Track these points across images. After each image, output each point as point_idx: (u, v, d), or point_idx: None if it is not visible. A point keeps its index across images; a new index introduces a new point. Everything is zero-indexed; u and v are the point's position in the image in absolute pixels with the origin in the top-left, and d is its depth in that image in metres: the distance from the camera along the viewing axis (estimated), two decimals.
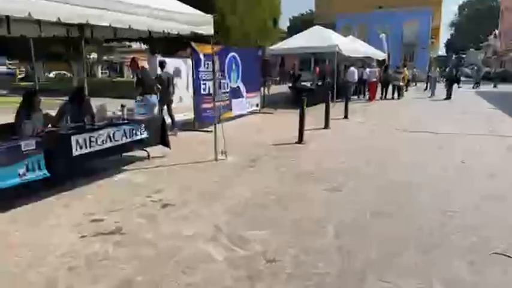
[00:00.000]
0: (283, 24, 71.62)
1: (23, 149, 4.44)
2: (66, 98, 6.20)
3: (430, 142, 8.23)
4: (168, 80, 8.92)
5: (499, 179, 5.61)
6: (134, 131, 6.10)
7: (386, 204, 4.57)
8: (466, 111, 13.63)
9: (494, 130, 9.69)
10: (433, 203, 4.62)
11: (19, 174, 4.40)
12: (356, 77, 16.90)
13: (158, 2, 5.03)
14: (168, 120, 8.35)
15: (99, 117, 5.98)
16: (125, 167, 6.13)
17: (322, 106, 10.12)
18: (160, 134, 6.66)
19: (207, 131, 8.71)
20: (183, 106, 11.42)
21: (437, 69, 23.13)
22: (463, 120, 11.39)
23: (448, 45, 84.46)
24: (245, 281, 2.95)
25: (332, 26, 29.70)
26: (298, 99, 8.67)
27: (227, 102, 10.56)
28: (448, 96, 17.72)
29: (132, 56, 11.68)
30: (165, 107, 9.04)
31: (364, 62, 18.57)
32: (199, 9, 6.07)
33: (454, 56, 69.37)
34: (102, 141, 5.56)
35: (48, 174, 4.66)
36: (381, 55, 20.82)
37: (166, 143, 6.72)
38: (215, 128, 6.54)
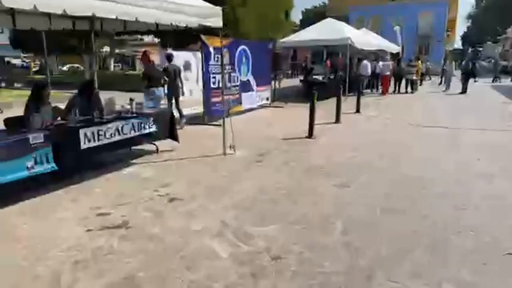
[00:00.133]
0: (296, 16, 70.96)
1: (31, 142, 4.45)
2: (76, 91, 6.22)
3: (443, 137, 8.04)
4: (175, 72, 8.87)
5: None
6: (143, 125, 6.08)
7: (398, 200, 4.47)
8: (481, 105, 13.30)
9: (511, 125, 9.42)
10: (446, 200, 4.50)
11: (27, 167, 4.42)
12: (369, 71, 16.63)
13: None
14: (176, 114, 8.32)
15: (107, 110, 5.98)
16: (134, 161, 6.13)
17: (334, 100, 9.97)
18: (169, 128, 6.63)
19: (217, 125, 8.66)
20: (193, 100, 11.40)
21: (453, 62, 22.61)
22: (478, 115, 11.11)
23: (464, 38, 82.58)
24: (249, 278, 2.90)
25: (345, 19, 29.26)
26: (309, 93, 8.55)
27: (237, 95, 10.49)
28: (464, 90, 17.32)
29: (143, 50, 11.71)
30: (173, 100, 9.02)
31: (377, 55, 18.25)
32: (208, 2, 6.00)
33: (470, 49, 67.80)
34: (111, 134, 5.55)
35: (56, 168, 4.67)
36: (394, 48, 20.45)
37: (174, 137, 6.69)
38: (223, 122, 6.49)
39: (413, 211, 4.17)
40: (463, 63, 19.33)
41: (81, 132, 5.13)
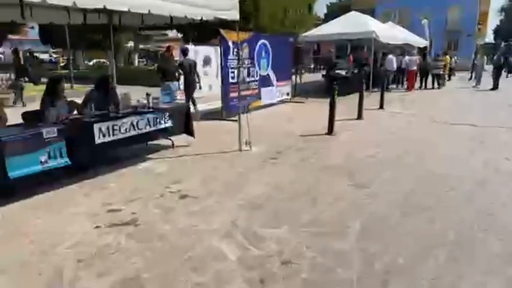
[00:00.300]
0: (320, 10, 69.86)
1: (44, 137, 4.44)
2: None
3: (471, 135, 7.62)
4: (190, 66, 8.83)
5: None
6: (158, 120, 6.02)
7: (420, 202, 4.21)
8: None
9: None
10: (471, 202, 4.20)
11: (41, 162, 4.42)
12: (395, 65, 16.10)
13: None
14: (192, 108, 8.30)
15: (123, 105, 5.94)
16: (149, 156, 6.08)
17: (357, 95, 9.65)
18: (185, 123, 6.56)
19: (235, 120, 8.50)
20: (212, 94, 11.34)
21: (484, 57, 21.61)
22: (509, 113, 10.53)
23: (497, 31, 79.04)
24: (257, 284, 2.75)
25: (371, 12, 28.53)
26: (331, 88, 8.29)
27: (256, 90, 10.32)
28: (495, 86, 16.51)
29: (167, 45, 11.73)
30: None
31: (403, 50, 17.65)
32: None
33: (503, 43, 64.91)
34: (126, 129, 5.51)
35: (69, 162, 4.66)
36: (422, 42, 19.73)
37: (190, 132, 6.61)
38: (239, 117, 6.36)
39: (436, 214, 3.90)
40: (495, 57, 18.42)
41: (96, 127, 5.10)
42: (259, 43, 10.28)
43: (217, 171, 5.39)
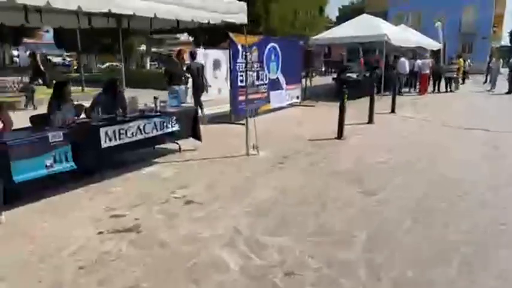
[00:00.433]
0: (332, 13, 69.59)
1: (50, 141, 4.43)
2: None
3: (484, 140, 7.41)
4: (198, 70, 8.83)
5: None
6: (165, 124, 5.99)
7: (430, 211, 4.07)
8: None
9: None
10: (484, 211, 4.05)
11: (46, 166, 4.40)
12: (407, 69, 15.83)
13: None
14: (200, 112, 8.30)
15: (130, 109, 5.92)
16: (156, 160, 6.04)
17: (368, 99, 9.47)
18: (192, 127, 6.51)
19: (243, 124, 8.43)
20: (222, 98, 11.30)
21: (500, 60, 21.14)
22: None
23: None
24: None
25: (384, 15, 28.24)
26: (341, 92, 8.16)
27: (265, 94, 10.24)
28: (511, 90, 16.13)
29: (178, 48, 11.78)
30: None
31: (415, 53, 17.37)
32: None
33: None
34: (132, 133, 5.49)
35: (75, 167, 4.64)
36: (434, 45, 19.42)
37: (197, 136, 6.56)
38: (247, 121, 6.29)
39: (447, 225, 3.76)
40: (511, 60, 18.01)
41: (102, 131, 5.08)
42: (268, 46, 10.21)
43: (224, 176, 5.32)
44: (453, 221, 3.85)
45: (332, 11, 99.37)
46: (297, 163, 5.94)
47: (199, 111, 8.74)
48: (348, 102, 7.71)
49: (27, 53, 29.78)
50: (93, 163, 5.10)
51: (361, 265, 3.03)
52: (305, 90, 13.57)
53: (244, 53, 6.85)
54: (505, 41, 68.63)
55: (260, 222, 3.82)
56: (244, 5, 5.73)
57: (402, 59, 15.81)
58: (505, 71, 18.89)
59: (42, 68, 16.05)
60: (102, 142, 5.07)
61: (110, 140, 5.18)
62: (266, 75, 10.23)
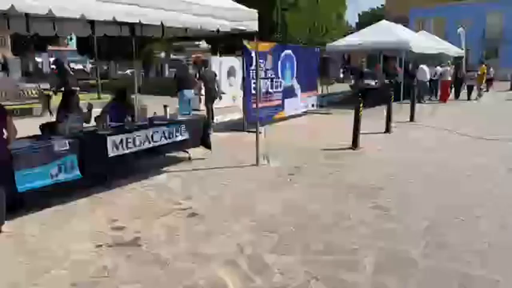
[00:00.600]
0: (352, 20, 69.09)
1: (55, 150, 4.39)
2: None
3: (506, 153, 7.01)
4: (210, 78, 8.81)
5: None
6: (174, 132, 5.90)
7: (447, 231, 3.79)
8: None
9: None
10: (503, 233, 3.75)
11: (51, 175, 4.35)
12: (428, 76, 15.40)
13: None
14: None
15: (139, 117, 5.87)
16: (164, 169, 5.95)
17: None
18: (202, 135, 6.41)
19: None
20: (236, 105, 11.22)
21: None
22: None
23: None
24: None
25: (405, 21, 27.72)
26: (357, 100, 7.93)
27: (279, 101, 10.08)
28: None
29: (195, 55, 11.84)
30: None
31: (436, 59, 16.89)
32: (257, 6, 5.72)
33: None
34: (140, 142, 5.41)
35: (80, 176, 4.58)
36: (457, 51, 18.87)
37: (207, 145, 6.45)
38: (257, 130, 6.14)
39: (465, 246, 3.49)
40: None
41: (109, 139, 5.02)
42: (283, 53, 10.07)
43: (231, 187, 5.17)
44: (475, 246, 3.58)
45: (352, 18, 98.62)
46: (307, 175, 5.74)
47: (210, 119, 8.70)
48: (366, 111, 7.46)
49: (51, 60, 30.68)
50: (99, 172, 5.05)
51: None
52: (322, 98, 13.34)
53: (255, 60, 6.71)
54: None
55: (264, 238, 3.64)
56: (255, 12, 5.61)
57: (422, 66, 15.38)
58: None
59: (66, 75, 16.54)
60: (109, 151, 5.01)
61: (117, 148, 5.12)
62: (281, 83, 10.08)
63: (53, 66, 26.13)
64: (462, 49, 19.90)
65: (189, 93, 8.02)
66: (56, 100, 11.93)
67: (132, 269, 3.13)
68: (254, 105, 9.08)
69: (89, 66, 35.70)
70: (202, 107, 9.41)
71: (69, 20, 5.75)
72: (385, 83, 15.68)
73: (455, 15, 31.42)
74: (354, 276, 2.99)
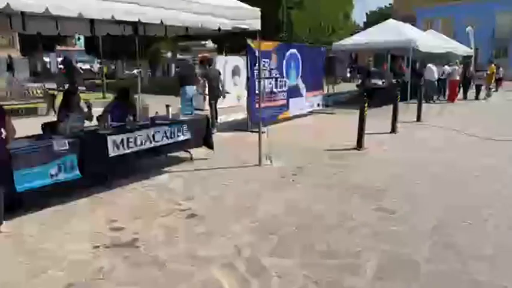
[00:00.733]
0: (359, 19, 68.64)
1: (55, 149, 4.36)
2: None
3: None
4: (214, 76, 8.80)
5: None
6: (176, 132, 5.85)
7: (453, 235, 3.69)
8: None
9: None
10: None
11: (51, 175, 4.33)
12: (436, 75, 15.18)
13: None
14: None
15: (141, 117, 5.83)
16: (165, 169, 5.90)
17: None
18: (204, 135, 6.36)
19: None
20: (241, 105, 11.16)
21: None
22: None
23: None
24: None
25: (413, 20, 27.43)
26: (362, 100, 7.81)
27: (284, 101, 10.00)
28: None
29: (201, 55, 11.83)
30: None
31: (444, 59, 16.65)
32: (262, 4, 5.66)
33: None
34: (141, 142, 5.38)
35: (80, 175, 4.55)
36: (465, 51, 18.59)
37: (209, 145, 6.40)
38: (259, 129, 6.07)
39: (472, 248, 3.39)
40: None
41: (110, 139, 4.99)
42: (288, 53, 9.98)
43: (232, 187, 5.11)
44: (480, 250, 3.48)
45: (360, 17, 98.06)
46: (311, 175, 5.66)
47: (214, 119, 8.67)
48: (372, 110, 7.35)
49: (59, 60, 30.93)
50: (100, 172, 5.02)
51: None
52: (327, 98, 13.22)
53: (259, 60, 6.64)
54: None
55: (264, 240, 3.57)
56: (258, 11, 5.54)
57: (430, 65, 15.18)
58: None
59: (74, 74, 16.76)
60: (110, 151, 4.98)
61: (118, 148, 5.08)
62: (285, 82, 9.99)
63: (61, 66, 26.44)
64: (471, 48, 19.62)
65: (191, 89, 8.01)
66: (59, 99, 12.01)
67: (128, 270, 3.08)
68: (258, 105, 9.04)
69: (96, 66, 35.90)
70: (207, 106, 9.37)
71: (72, 19, 5.75)
72: (392, 83, 15.52)
73: (464, 15, 31.00)
74: (355, 281, 2.91)
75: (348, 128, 8.70)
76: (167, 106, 6.16)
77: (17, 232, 3.78)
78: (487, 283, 2.87)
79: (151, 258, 3.25)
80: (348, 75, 27.41)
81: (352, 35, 18.11)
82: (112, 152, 5.00)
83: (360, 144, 7.23)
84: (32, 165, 4.14)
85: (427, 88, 14.77)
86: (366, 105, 7.33)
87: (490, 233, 3.75)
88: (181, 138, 5.92)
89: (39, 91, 10.61)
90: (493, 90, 17.40)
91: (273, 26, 17.42)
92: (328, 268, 3.09)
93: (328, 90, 13.76)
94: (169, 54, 38.18)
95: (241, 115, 10.19)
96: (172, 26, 5.48)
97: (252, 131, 8.78)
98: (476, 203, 4.49)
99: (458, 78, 15.71)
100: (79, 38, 40.15)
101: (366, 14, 61.89)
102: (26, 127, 5.05)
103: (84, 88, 19.00)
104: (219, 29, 5.06)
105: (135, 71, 39.73)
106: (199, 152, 6.46)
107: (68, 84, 15.55)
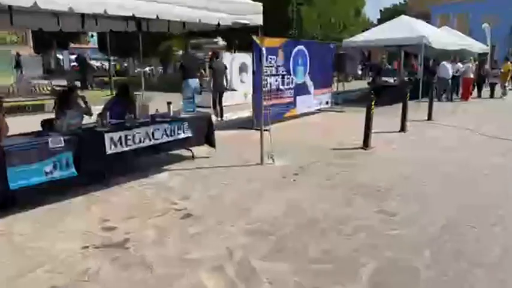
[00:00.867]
0: (373, 16, 67.79)
1: (50, 146, 4.30)
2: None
3: None
4: (220, 69, 8.73)
5: None
6: (176, 130, 5.75)
7: (457, 240, 3.50)
8: None
9: None
10: None
11: (46, 172, 4.27)
12: (450, 73, 14.76)
13: None
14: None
15: (141, 114, 5.75)
16: (166, 167, 5.82)
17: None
18: (206, 133, 6.24)
19: (265, 130, 8.10)
20: (248, 102, 11.03)
21: None
22: None
23: None
24: None
25: (427, 17, 26.86)
26: (377, 97, 7.58)
27: (291, 99, 9.82)
28: None
29: (210, 52, 11.75)
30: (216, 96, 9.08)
31: (459, 56, 16.21)
32: (273, 1, 5.51)
33: None
34: (140, 139, 5.29)
35: (75, 173, 4.48)
36: (481, 48, 18.08)
37: (211, 143, 6.28)
38: (261, 127, 5.93)
39: (476, 258, 3.19)
40: None
41: (107, 136, 4.91)
42: (295, 49, 9.79)
43: (232, 186, 4.99)
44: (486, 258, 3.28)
45: (374, 14, 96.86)
46: (313, 175, 5.49)
47: (218, 115, 8.58)
48: (381, 108, 7.14)
49: (72, 57, 31.25)
50: (97, 170, 4.95)
51: None
52: (336, 95, 12.98)
53: (263, 56, 6.49)
54: None
55: (258, 243, 3.44)
56: (259, 5, 5.39)
57: (444, 62, 14.77)
58: None
59: (87, 71, 16.99)
60: (107, 148, 4.90)
61: (116, 146, 5.00)
62: (292, 80, 9.82)
63: (74, 64, 26.71)
64: (487, 45, 19.07)
65: (193, 82, 7.96)
66: None
67: (115, 272, 2.98)
68: (264, 103, 8.89)
69: (106, 63, 36.23)
70: (210, 103, 9.30)
71: (73, 15, 5.70)
72: (403, 80, 15.18)
73: (480, 11, 30.19)
74: (351, 286, 2.75)
75: (356, 126, 8.46)
76: (168, 103, 6.06)
77: (9, 230, 3.73)
78: None
79: (140, 260, 3.15)
80: (360, 72, 27.02)
81: (363, 31, 17.77)
82: (109, 150, 4.93)
83: (366, 143, 7.02)
84: (26, 163, 4.09)
85: (439, 86, 14.42)
86: (373, 103, 7.12)
87: (497, 234, 3.54)
88: (182, 136, 5.82)
89: (46, 88, 10.67)
90: (508, 88, 16.87)
91: (283, 23, 17.20)
92: (321, 274, 2.94)
93: (338, 88, 13.50)
94: (180, 52, 38.26)
95: (247, 113, 10.05)
96: (174, 22, 5.39)
97: (257, 129, 8.63)
98: (486, 203, 4.27)
99: (472, 76, 15.28)
100: (92, 36, 40.50)
101: (380, 10, 61.05)
102: (32, 123, 5.03)
103: (93, 85, 19.26)
104: (219, 24, 4.92)
105: (146, 69, 40.04)
106: (201, 150, 6.36)
107: (78, 82, 15.80)
